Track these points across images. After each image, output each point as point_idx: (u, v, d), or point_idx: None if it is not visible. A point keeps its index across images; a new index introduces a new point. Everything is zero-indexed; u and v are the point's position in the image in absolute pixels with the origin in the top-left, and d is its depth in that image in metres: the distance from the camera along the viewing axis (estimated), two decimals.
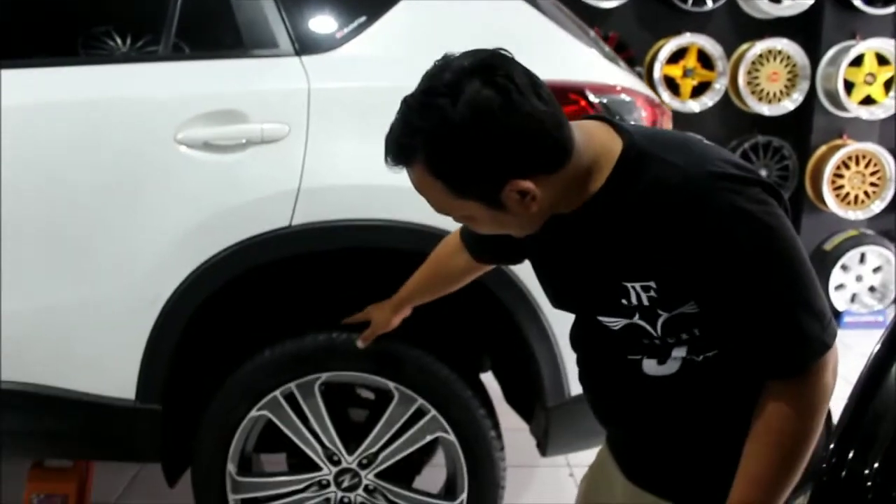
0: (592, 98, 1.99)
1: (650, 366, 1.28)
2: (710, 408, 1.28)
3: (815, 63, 4.83)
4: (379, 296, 1.92)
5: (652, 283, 1.18)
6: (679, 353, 1.25)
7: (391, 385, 2.03)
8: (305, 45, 1.98)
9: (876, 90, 4.79)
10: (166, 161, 1.92)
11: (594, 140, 1.19)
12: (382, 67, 1.98)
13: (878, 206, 4.86)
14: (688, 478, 1.33)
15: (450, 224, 1.89)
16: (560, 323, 1.97)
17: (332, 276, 2.11)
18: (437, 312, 1.94)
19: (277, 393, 2.04)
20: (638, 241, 1.17)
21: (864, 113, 4.80)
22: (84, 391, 2.00)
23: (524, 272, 1.93)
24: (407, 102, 1.16)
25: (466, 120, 1.07)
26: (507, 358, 2.34)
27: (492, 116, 1.07)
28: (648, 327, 1.23)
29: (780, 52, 4.79)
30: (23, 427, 2.06)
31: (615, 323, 1.26)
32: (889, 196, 4.85)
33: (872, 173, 4.84)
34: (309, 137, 1.92)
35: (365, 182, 1.92)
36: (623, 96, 2.06)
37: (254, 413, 2.05)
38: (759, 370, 1.18)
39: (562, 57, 2.05)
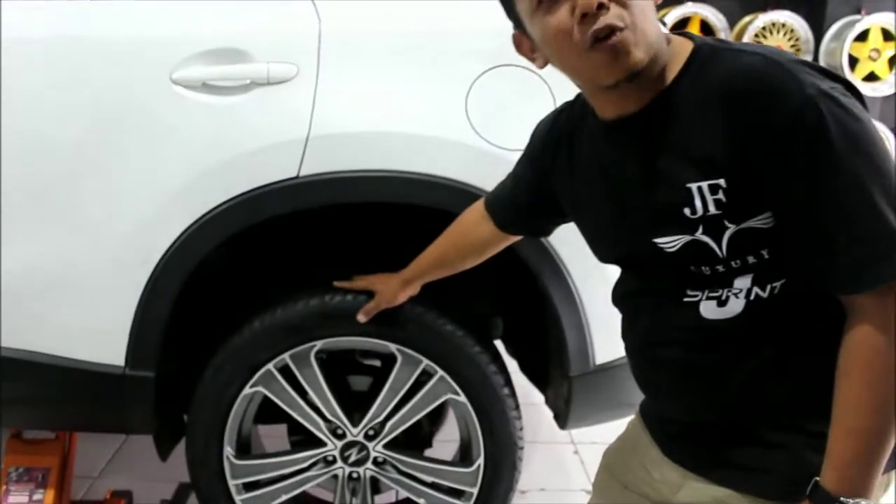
0: None
1: (709, 308, 1.14)
2: (780, 366, 1.13)
3: (818, 37, 4.72)
4: (393, 256, 1.77)
5: (721, 182, 1.06)
6: (743, 283, 1.11)
7: (393, 347, 1.88)
8: None
9: (880, 66, 4.70)
10: (160, 103, 1.74)
11: (669, 41, 1.14)
12: (398, 7, 1.82)
13: None
14: (753, 458, 1.17)
15: (471, 177, 1.77)
16: (587, 285, 1.85)
17: (345, 233, 1.95)
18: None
19: (271, 366, 1.88)
20: (709, 132, 1.07)
21: (868, 89, 4.69)
22: (69, 356, 1.83)
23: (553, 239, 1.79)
24: None
25: None
26: (524, 322, 2.19)
27: None
28: (712, 243, 1.09)
29: (783, 25, 4.68)
30: (2, 394, 1.89)
31: (674, 242, 1.12)
32: None
33: None
34: (319, 80, 1.75)
35: (381, 129, 1.76)
36: None
37: (247, 391, 1.90)
38: (842, 281, 1.05)
39: None
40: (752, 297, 1.12)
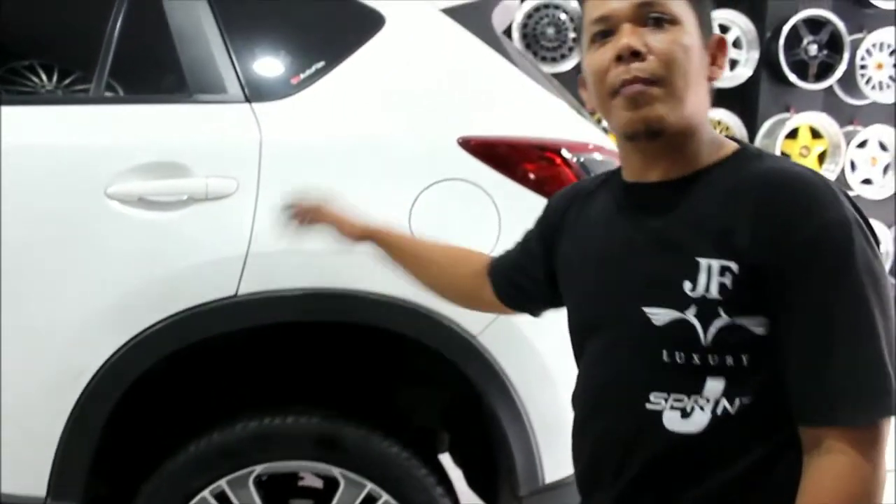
0: (568, 156, 1.84)
1: (672, 419, 1.09)
2: (738, 487, 1.08)
3: (752, 134, 4.88)
4: (337, 375, 1.71)
5: (733, 266, 1.03)
6: (713, 388, 1.06)
7: (336, 471, 1.79)
8: (257, 91, 1.77)
9: (810, 163, 4.85)
10: (95, 218, 1.68)
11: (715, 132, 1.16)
12: (342, 118, 1.80)
13: None
14: None
15: (419, 298, 1.72)
16: (535, 404, 1.80)
17: (285, 353, 1.88)
18: (387, 387, 1.73)
19: (206, 493, 1.78)
20: (736, 214, 1.04)
21: None
22: None
23: (493, 343, 1.75)
24: None
25: None
26: (470, 438, 2.13)
27: None
28: (699, 328, 1.05)
29: (719, 122, 4.83)
30: None
31: (662, 315, 1.07)
32: None
33: None
34: (260, 194, 1.71)
35: (323, 247, 1.71)
36: (596, 155, 1.92)
37: None
38: (819, 408, 1.01)
39: (536, 113, 1.91)
40: (718, 412, 1.07)
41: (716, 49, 1.14)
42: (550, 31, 4.60)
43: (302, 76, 1.80)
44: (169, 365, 1.74)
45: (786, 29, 4.73)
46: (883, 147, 5.03)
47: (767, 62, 4.83)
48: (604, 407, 1.19)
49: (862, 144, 4.99)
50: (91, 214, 1.69)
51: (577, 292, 1.26)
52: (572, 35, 4.60)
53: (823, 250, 1.01)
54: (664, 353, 1.09)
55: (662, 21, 1.08)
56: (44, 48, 2.45)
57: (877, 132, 5.00)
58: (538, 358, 1.78)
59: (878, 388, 1.00)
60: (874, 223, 4.82)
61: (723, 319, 1.04)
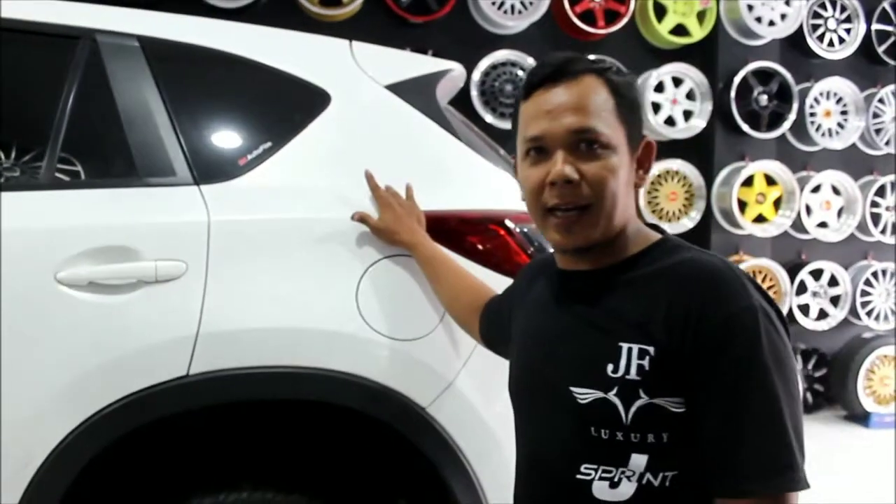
0: (512, 227, 1.89)
1: (601, 489, 1.15)
2: None
3: (709, 183, 4.99)
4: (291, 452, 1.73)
5: (651, 349, 1.11)
6: (638, 462, 1.13)
7: None
8: (205, 173, 1.81)
9: (766, 209, 4.97)
10: (44, 303, 1.69)
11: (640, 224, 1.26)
12: (290, 197, 1.84)
13: None
14: None
15: (373, 371, 1.75)
16: (488, 474, 1.83)
17: (236, 433, 1.89)
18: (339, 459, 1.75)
19: None
20: (655, 303, 1.12)
21: (758, 230, 4.96)
22: None
23: (442, 414, 1.78)
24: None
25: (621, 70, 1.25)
26: None
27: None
28: (621, 407, 1.12)
29: (676, 172, 4.94)
30: None
31: (587, 396, 1.15)
32: (785, 310, 4.97)
33: (769, 287, 4.95)
34: (209, 276, 1.74)
35: (272, 325, 1.75)
36: None
37: None
38: (730, 481, 1.08)
39: (480, 185, 1.96)
40: (643, 482, 1.14)
41: (643, 155, 1.23)
42: (508, 87, 4.70)
43: (249, 157, 1.84)
44: (121, 447, 1.75)
45: (736, 80, 4.87)
46: (836, 191, 5.17)
47: (721, 113, 4.97)
48: (537, 475, 1.27)
49: (816, 189, 5.12)
50: (41, 299, 1.70)
51: (516, 361, 1.35)
52: None
53: (731, 338, 1.08)
54: (592, 429, 1.16)
55: (595, 147, 1.16)
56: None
57: (829, 177, 5.14)
58: (485, 424, 1.81)
59: (784, 465, 1.07)
60: (830, 265, 4.95)
61: (642, 399, 1.11)
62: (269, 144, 1.86)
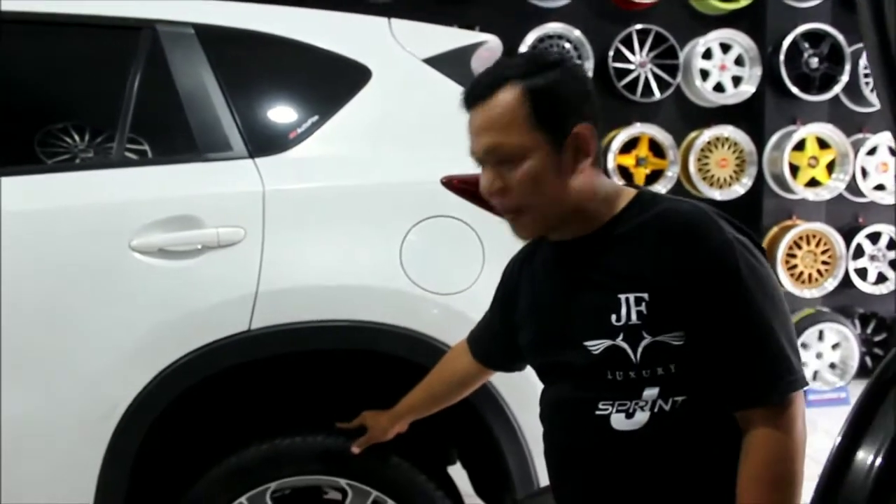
0: None
1: (618, 420, 1.30)
2: (681, 472, 1.29)
3: (760, 148, 4.99)
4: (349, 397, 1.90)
5: (645, 295, 1.25)
6: (650, 394, 1.27)
7: (342, 482, 1.97)
8: (259, 147, 1.98)
9: (819, 172, 4.95)
10: (122, 268, 1.89)
11: (612, 184, 1.37)
12: (336, 166, 2.00)
13: (830, 284, 4.97)
14: None
15: (417, 323, 1.91)
16: (526, 416, 1.96)
17: (298, 380, 2.07)
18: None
19: None
20: (641, 255, 1.27)
21: (811, 194, 4.94)
22: None
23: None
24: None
25: (559, 61, 1.31)
26: (475, 451, 2.29)
27: (578, 68, 1.34)
28: (629, 350, 1.27)
29: (727, 139, 4.95)
30: None
31: (598, 345, 1.29)
32: (841, 273, 4.96)
33: (823, 252, 4.95)
34: (265, 240, 1.91)
35: (324, 283, 1.91)
36: None
37: None
38: (739, 396, 1.23)
39: None
40: (656, 410, 1.28)
41: (576, 144, 1.29)
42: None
43: (298, 130, 2.01)
44: (191, 399, 1.93)
45: (785, 44, 4.85)
46: (893, 152, 5.10)
47: (771, 77, 4.95)
48: (560, 419, 1.42)
49: (872, 151, 5.07)
50: (119, 265, 1.89)
51: (532, 336, 1.48)
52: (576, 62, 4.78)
53: (713, 270, 1.23)
54: (607, 373, 1.30)
55: (511, 158, 1.28)
56: (74, 112, 2.70)
57: (886, 138, 5.07)
58: (526, 377, 1.94)
59: (780, 370, 1.22)
60: (888, 228, 4.90)
61: (647, 339, 1.26)
62: (315, 118, 2.02)
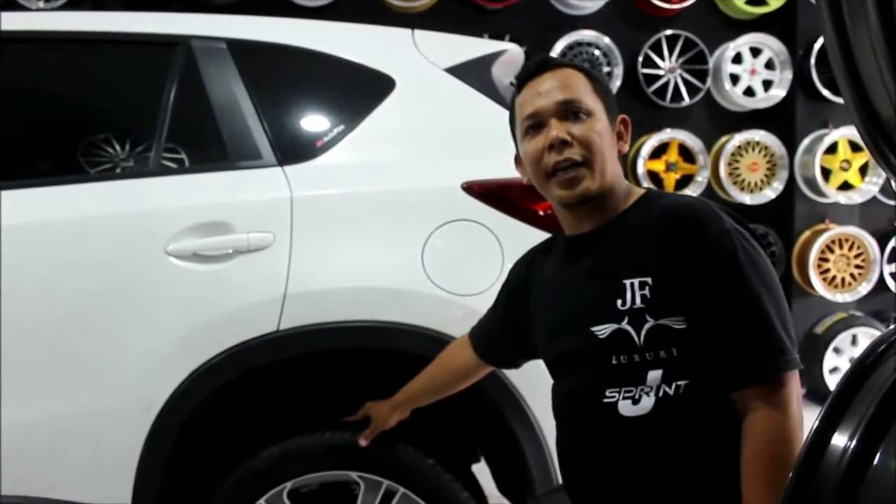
0: None
1: (625, 406, 1.37)
2: (687, 457, 1.35)
3: (791, 152, 4.98)
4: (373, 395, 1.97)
5: (648, 280, 1.34)
6: (654, 377, 1.34)
7: (354, 475, 2.03)
8: (287, 155, 2.07)
9: (852, 176, 4.93)
10: (157, 272, 1.99)
11: (627, 182, 1.51)
12: (362, 173, 2.08)
13: (864, 288, 4.94)
14: None
15: (438, 323, 1.98)
16: (545, 415, 2.02)
17: (322, 379, 2.15)
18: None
19: None
20: (646, 244, 1.36)
21: (843, 198, 4.93)
22: (81, 502, 2.01)
23: (512, 374, 1.99)
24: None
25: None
26: (497, 450, 2.36)
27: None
28: (633, 333, 1.34)
29: (757, 143, 4.95)
30: None
31: (605, 330, 1.37)
32: (875, 277, 4.93)
33: (857, 255, 4.92)
34: (293, 244, 2.00)
35: (349, 285, 2.00)
36: None
37: None
38: (734, 375, 1.30)
39: None
40: (660, 394, 1.35)
41: (621, 127, 1.48)
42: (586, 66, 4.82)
43: (325, 139, 2.10)
44: (223, 397, 2.02)
45: (816, 47, 4.85)
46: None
47: (801, 81, 4.95)
48: (570, 410, 1.49)
49: None
50: (155, 269, 1.99)
51: (544, 328, 1.55)
52: (606, 69, 4.83)
53: (713, 257, 1.32)
54: (613, 357, 1.38)
55: (580, 114, 1.42)
56: (114, 123, 2.83)
57: None
58: (537, 366, 2.01)
59: (774, 351, 1.29)
60: None
61: (650, 322, 1.34)
62: (342, 127, 2.11)
